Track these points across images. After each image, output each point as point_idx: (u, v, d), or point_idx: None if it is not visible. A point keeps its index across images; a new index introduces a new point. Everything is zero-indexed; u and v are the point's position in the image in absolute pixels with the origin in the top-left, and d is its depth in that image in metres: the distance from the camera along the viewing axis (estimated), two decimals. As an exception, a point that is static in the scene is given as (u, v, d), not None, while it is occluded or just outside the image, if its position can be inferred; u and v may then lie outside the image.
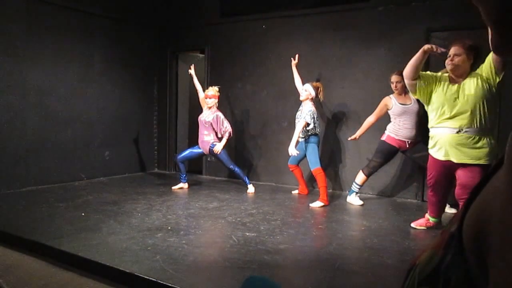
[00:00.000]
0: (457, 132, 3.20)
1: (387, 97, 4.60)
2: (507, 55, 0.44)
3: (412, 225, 3.91)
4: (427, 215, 3.84)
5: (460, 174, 3.31)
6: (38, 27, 5.40)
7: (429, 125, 3.47)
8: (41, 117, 5.51)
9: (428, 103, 3.43)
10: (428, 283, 0.46)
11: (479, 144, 3.19)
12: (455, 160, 3.24)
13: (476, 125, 3.18)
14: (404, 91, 4.52)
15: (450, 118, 3.23)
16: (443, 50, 3.24)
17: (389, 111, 4.57)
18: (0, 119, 5.07)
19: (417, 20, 5.02)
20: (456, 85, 3.29)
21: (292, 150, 4.73)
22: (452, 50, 3.30)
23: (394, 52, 5.21)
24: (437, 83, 3.33)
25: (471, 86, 3.23)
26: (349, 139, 4.85)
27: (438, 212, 3.75)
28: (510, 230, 0.34)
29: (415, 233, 3.77)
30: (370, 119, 4.66)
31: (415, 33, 5.02)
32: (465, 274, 0.41)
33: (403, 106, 4.48)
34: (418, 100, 4.58)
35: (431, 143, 3.46)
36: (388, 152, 4.61)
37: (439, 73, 3.48)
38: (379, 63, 5.30)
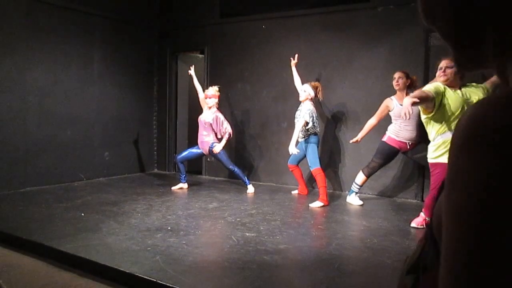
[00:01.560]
0: None
1: (388, 99, 4.57)
2: (469, 70, 0.49)
3: (412, 224, 3.93)
4: (422, 214, 3.88)
5: None
6: (37, 27, 5.40)
7: (438, 132, 3.40)
8: (41, 117, 5.51)
9: (434, 112, 3.37)
10: (413, 271, 0.49)
11: None
12: None
13: None
14: (405, 89, 4.49)
15: None
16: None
17: (390, 113, 4.56)
18: (0, 119, 5.07)
19: (417, 21, 5.01)
20: (459, 91, 3.35)
21: (292, 149, 4.74)
22: (444, 63, 3.40)
23: (394, 53, 5.21)
24: (444, 94, 3.31)
25: (474, 90, 3.31)
26: (351, 141, 4.83)
27: None
28: (446, 219, 0.36)
29: (415, 233, 3.77)
30: (372, 121, 4.64)
31: (414, 34, 5.02)
32: (437, 260, 0.42)
33: None
34: None
35: (440, 150, 3.38)
36: (389, 153, 4.60)
37: (436, 83, 3.47)
38: (378, 63, 5.30)
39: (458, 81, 3.39)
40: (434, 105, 3.32)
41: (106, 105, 6.37)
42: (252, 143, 6.37)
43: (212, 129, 5.37)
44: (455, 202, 0.35)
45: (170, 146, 7.25)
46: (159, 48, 7.18)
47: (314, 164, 4.82)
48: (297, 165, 5.23)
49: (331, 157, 5.74)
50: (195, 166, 6.84)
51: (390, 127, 4.60)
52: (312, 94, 4.91)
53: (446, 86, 3.38)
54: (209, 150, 5.40)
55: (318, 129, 4.91)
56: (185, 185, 5.64)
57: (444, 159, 3.32)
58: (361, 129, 4.72)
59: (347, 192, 5.29)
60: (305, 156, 4.97)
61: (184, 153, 5.57)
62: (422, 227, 3.87)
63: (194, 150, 5.57)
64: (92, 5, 6.04)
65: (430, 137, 3.47)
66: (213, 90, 5.47)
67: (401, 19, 5.17)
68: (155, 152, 7.32)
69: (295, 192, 5.48)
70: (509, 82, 0.42)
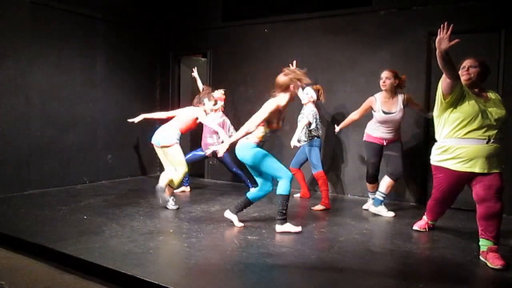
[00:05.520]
0: (487, 143, 3.08)
1: (372, 98, 4.49)
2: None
3: (415, 227, 3.93)
4: (424, 218, 3.87)
5: (477, 188, 3.11)
6: (41, 31, 5.43)
7: (445, 136, 3.19)
8: (44, 120, 5.54)
9: (447, 108, 3.16)
10: None
11: (499, 152, 3.10)
12: (480, 170, 3.05)
13: (499, 135, 3.10)
14: (393, 90, 4.41)
15: (477, 129, 3.05)
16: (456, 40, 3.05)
17: (373, 113, 4.51)
18: (4, 122, 5.10)
19: (419, 24, 5.03)
20: (480, 99, 3.14)
21: (294, 142, 4.72)
22: (467, 62, 3.21)
23: (396, 56, 5.22)
24: (466, 93, 3.12)
25: (494, 98, 3.20)
26: (336, 131, 4.82)
27: (437, 217, 3.83)
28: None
29: (417, 236, 3.76)
30: (353, 116, 4.59)
31: (416, 37, 5.03)
32: None
33: (387, 115, 4.39)
34: (403, 108, 4.45)
35: (446, 155, 3.17)
36: (374, 149, 4.56)
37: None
38: (380, 66, 5.28)
39: (479, 84, 3.22)
40: (454, 88, 3.05)
41: (109, 108, 6.40)
42: (254, 146, 6.36)
43: (216, 131, 5.38)
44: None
45: (173, 149, 7.26)
46: (161, 51, 7.21)
47: (316, 167, 4.83)
48: (299, 168, 5.24)
49: (333, 161, 5.74)
50: (198, 169, 6.85)
51: (368, 124, 4.61)
52: (315, 97, 4.92)
53: (467, 88, 3.16)
54: (212, 152, 5.40)
55: (320, 132, 4.92)
56: (187, 188, 5.65)
57: (448, 164, 3.18)
58: (362, 132, 4.73)
59: (349, 195, 5.29)
60: (307, 159, 4.97)
61: (188, 156, 5.58)
62: (424, 230, 3.87)
63: (197, 153, 5.58)
64: (94, 9, 6.08)
65: (438, 136, 3.29)
66: (219, 93, 5.50)
67: (403, 22, 5.18)
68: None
69: (297, 195, 5.49)
70: None
